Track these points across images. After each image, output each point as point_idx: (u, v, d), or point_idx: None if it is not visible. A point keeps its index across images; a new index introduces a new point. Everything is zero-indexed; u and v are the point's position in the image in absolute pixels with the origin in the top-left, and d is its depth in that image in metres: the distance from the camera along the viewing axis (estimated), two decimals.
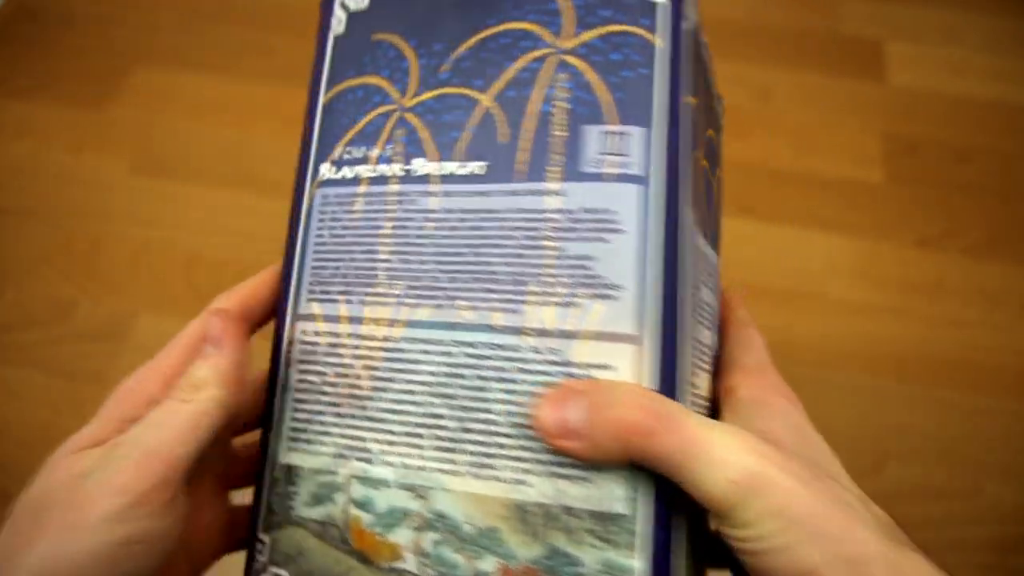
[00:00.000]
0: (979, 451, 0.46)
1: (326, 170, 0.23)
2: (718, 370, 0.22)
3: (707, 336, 0.22)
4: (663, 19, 0.20)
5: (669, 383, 0.18)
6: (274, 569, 0.20)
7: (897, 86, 0.64)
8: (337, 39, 0.24)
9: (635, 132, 0.19)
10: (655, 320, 0.18)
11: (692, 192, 0.20)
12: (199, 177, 0.59)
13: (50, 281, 0.54)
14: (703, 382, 0.21)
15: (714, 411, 0.21)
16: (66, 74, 0.65)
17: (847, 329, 0.51)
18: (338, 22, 0.24)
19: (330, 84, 0.24)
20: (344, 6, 0.24)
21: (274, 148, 0.61)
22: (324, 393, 0.21)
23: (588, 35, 0.20)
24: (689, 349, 0.19)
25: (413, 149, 0.21)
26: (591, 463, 0.18)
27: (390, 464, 0.19)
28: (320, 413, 0.21)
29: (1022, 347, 0.50)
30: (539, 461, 0.18)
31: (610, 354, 0.18)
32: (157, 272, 0.54)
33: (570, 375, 0.18)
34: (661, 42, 0.20)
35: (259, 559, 0.21)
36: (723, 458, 0.16)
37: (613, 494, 0.17)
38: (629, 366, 0.18)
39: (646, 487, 0.18)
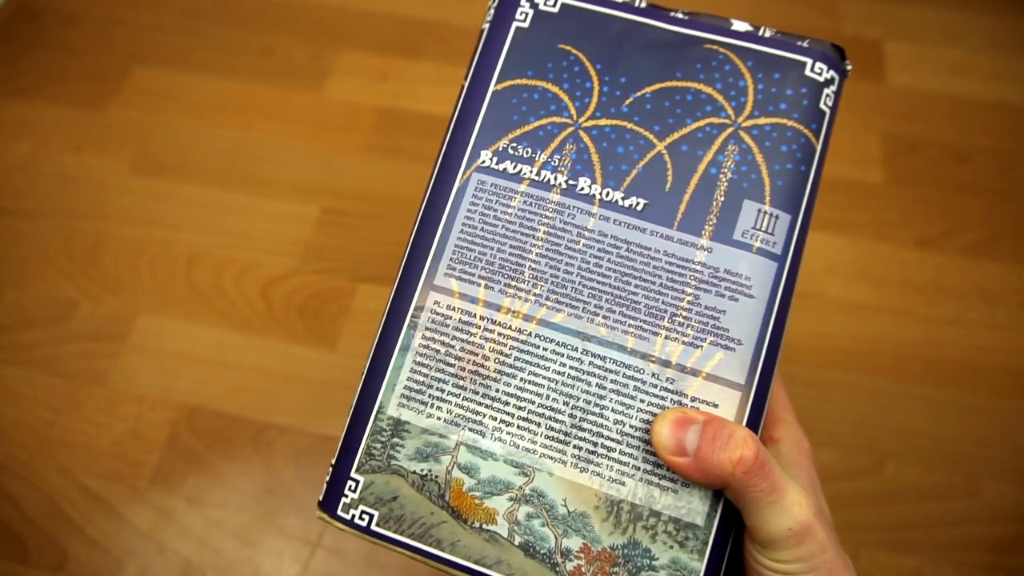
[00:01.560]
0: (978, 450, 0.46)
1: (487, 157, 0.24)
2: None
3: None
4: (824, 126, 0.23)
5: (756, 428, 0.22)
6: (363, 507, 0.22)
7: (897, 86, 0.64)
8: (519, 31, 0.25)
9: (784, 218, 0.23)
10: (759, 375, 0.22)
11: None
12: (199, 177, 0.59)
13: (50, 281, 0.54)
14: None
15: None
16: (66, 74, 0.65)
17: (846, 329, 0.51)
18: (523, 15, 0.25)
19: (504, 75, 0.25)
20: (534, 3, 0.25)
21: (274, 148, 0.61)
22: (447, 364, 0.23)
23: (764, 120, 0.23)
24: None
25: (581, 167, 0.24)
26: (685, 479, 0.21)
27: (501, 441, 0.22)
28: (440, 380, 0.23)
29: (1022, 347, 0.50)
30: (637, 468, 0.22)
31: (718, 395, 0.22)
32: (157, 272, 0.54)
33: (680, 404, 0.22)
34: (819, 146, 0.23)
35: (349, 495, 0.23)
36: (791, 508, 0.20)
37: (696, 508, 0.21)
38: (732, 409, 0.22)
39: (721, 508, 0.21)
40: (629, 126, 0.24)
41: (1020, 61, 0.65)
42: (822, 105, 0.23)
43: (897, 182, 0.58)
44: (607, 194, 0.23)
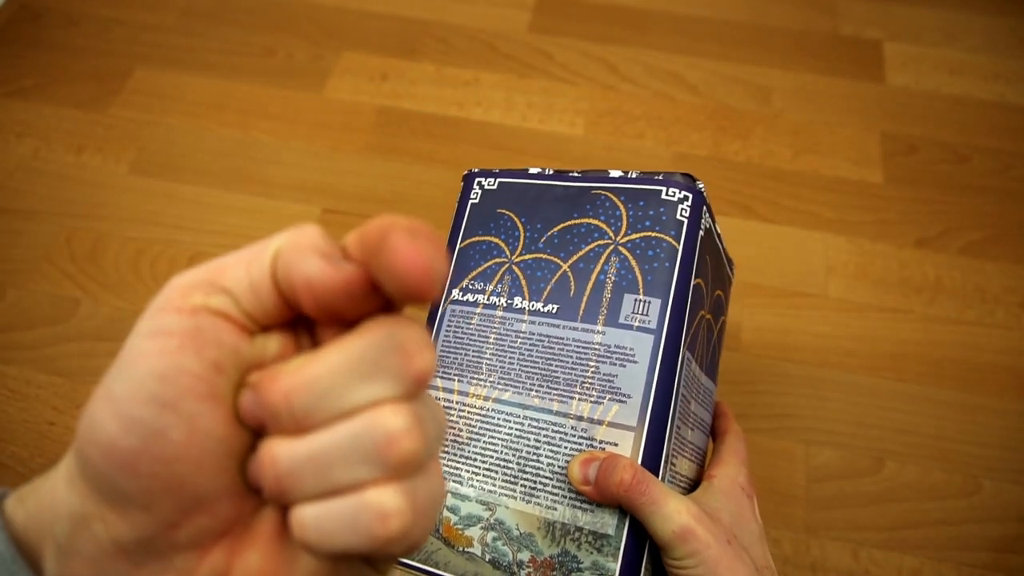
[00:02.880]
0: (977, 450, 0.46)
1: (456, 293, 0.34)
2: (710, 459, 0.34)
3: (691, 435, 0.32)
4: (685, 232, 0.31)
5: (654, 460, 0.28)
6: None
7: (896, 86, 0.64)
8: (473, 206, 0.36)
9: (655, 302, 0.30)
10: (648, 420, 0.28)
11: (692, 338, 0.31)
12: (200, 177, 0.59)
13: (52, 280, 0.54)
14: (683, 465, 0.31)
15: (695, 486, 0.32)
16: (67, 75, 0.65)
17: (846, 328, 0.51)
18: (475, 195, 0.36)
19: (464, 236, 0.35)
20: (481, 185, 0.36)
21: (274, 148, 0.61)
22: None
23: (635, 236, 0.31)
24: (672, 441, 0.29)
25: (515, 290, 0.33)
26: (596, 502, 0.28)
27: (473, 486, 0.30)
28: None
29: (1021, 347, 0.50)
30: (565, 496, 0.28)
31: (618, 437, 0.28)
32: (158, 271, 0.54)
33: (592, 446, 0.28)
34: (680, 247, 0.30)
35: None
36: (671, 516, 0.26)
37: (607, 522, 0.28)
38: (629, 446, 0.28)
39: (628, 521, 0.28)
40: (544, 256, 0.33)
41: (1019, 61, 0.65)
42: (679, 216, 0.31)
43: (896, 182, 0.58)
44: (532, 305, 0.32)
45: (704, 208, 0.32)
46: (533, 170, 0.35)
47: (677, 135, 0.61)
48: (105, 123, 0.62)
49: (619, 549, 0.27)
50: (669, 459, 0.29)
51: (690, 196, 0.31)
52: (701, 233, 0.31)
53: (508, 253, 0.34)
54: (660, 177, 0.32)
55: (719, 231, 0.35)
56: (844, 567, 0.43)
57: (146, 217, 0.57)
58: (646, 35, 0.68)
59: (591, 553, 0.27)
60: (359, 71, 0.65)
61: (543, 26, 0.69)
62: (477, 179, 0.36)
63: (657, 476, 0.28)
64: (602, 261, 0.31)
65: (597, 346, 0.30)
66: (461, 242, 0.35)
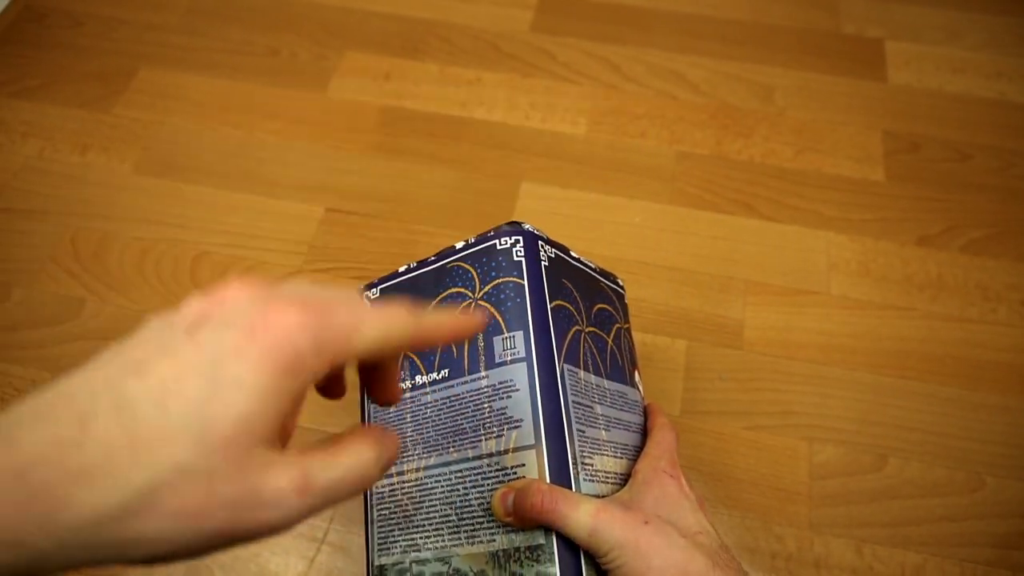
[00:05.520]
0: (980, 446, 0.46)
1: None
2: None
3: (608, 435, 0.35)
4: (526, 268, 0.34)
5: (560, 464, 0.31)
6: None
7: (898, 85, 0.64)
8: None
9: (519, 334, 0.33)
10: (545, 433, 0.32)
11: (571, 352, 0.35)
12: (204, 177, 0.59)
13: (57, 280, 0.54)
14: (606, 463, 0.34)
15: (627, 478, 0.35)
16: (72, 75, 0.66)
17: (849, 326, 0.51)
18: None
19: None
20: (368, 298, 0.39)
21: (278, 147, 0.61)
22: (390, 518, 0.35)
23: (488, 287, 0.35)
24: (577, 444, 0.32)
25: (414, 371, 0.37)
26: (522, 526, 0.31)
27: (429, 548, 0.34)
28: (390, 529, 0.35)
29: (1022, 344, 0.50)
30: (499, 527, 0.32)
31: (523, 458, 0.32)
32: (163, 271, 0.54)
33: (506, 475, 0.32)
34: (525, 282, 0.34)
35: None
36: (582, 521, 0.29)
37: (537, 534, 0.31)
38: (535, 462, 0.31)
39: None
40: None
41: (1020, 59, 0.66)
42: (515, 258, 0.35)
43: (898, 180, 0.58)
44: (430, 377, 0.36)
45: (540, 243, 0.35)
46: (401, 268, 0.39)
47: (680, 134, 0.61)
48: (110, 123, 0.63)
49: (554, 553, 0.30)
50: (579, 461, 0.32)
51: (520, 238, 0.35)
52: (544, 264, 0.35)
53: None
54: (492, 233, 0.36)
55: (577, 256, 0.39)
56: (847, 563, 0.43)
57: (150, 217, 0.57)
58: (648, 34, 0.68)
59: (532, 566, 0.30)
60: (362, 71, 0.66)
61: (545, 26, 0.69)
62: (365, 292, 0.41)
63: (567, 478, 0.31)
64: None
65: (485, 388, 0.33)
66: None
